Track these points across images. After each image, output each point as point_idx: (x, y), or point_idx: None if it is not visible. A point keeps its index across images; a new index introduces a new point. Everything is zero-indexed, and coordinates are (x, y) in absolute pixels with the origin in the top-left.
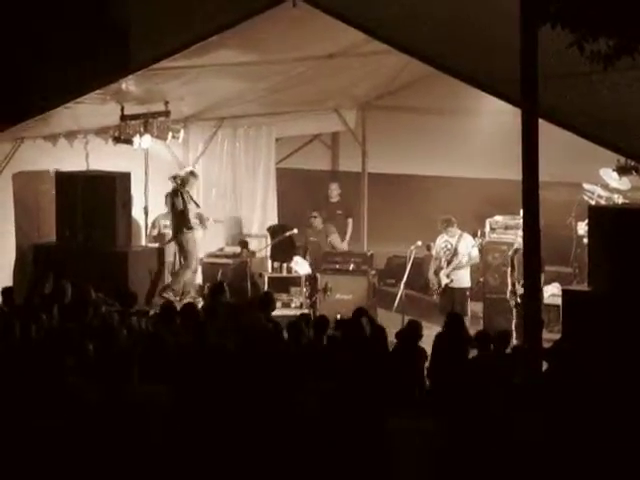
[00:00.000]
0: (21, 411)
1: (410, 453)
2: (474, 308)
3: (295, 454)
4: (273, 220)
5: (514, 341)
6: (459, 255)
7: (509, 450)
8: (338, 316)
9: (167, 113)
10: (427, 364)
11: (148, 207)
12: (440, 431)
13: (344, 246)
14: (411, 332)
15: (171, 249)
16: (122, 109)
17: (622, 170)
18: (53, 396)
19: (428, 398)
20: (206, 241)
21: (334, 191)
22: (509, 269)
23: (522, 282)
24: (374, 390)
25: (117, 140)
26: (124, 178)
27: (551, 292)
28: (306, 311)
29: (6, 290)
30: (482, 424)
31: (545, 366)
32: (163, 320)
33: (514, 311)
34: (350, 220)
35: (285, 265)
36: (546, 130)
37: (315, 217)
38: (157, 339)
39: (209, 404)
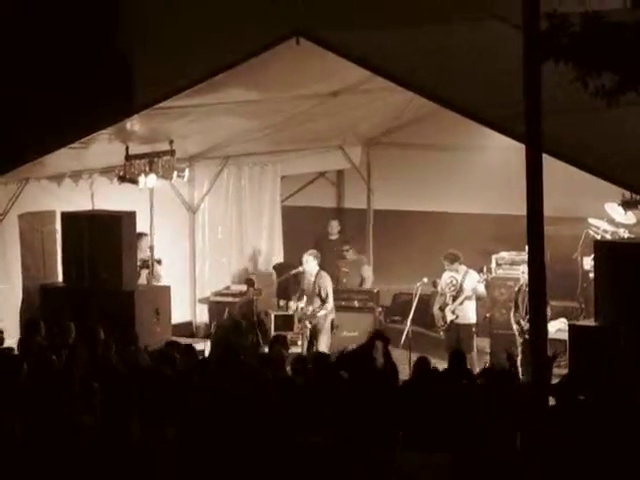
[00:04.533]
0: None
1: None
2: (480, 344)
3: None
4: (279, 258)
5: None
6: (465, 291)
7: None
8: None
9: (172, 152)
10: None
11: (154, 246)
12: (452, 465)
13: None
14: (421, 368)
15: None
16: (127, 149)
17: (627, 204)
18: (62, 436)
19: (438, 432)
20: (212, 279)
21: (334, 228)
22: (512, 307)
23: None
24: (383, 426)
25: (122, 179)
26: (130, 217)
27: (557, 327)
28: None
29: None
30: (491, 458)
31: (552, 401)
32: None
33: (520, 348)
34: None
35: (291, 303)
36: (551, 165)
37: (348, 250)
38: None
39: (214, 443)
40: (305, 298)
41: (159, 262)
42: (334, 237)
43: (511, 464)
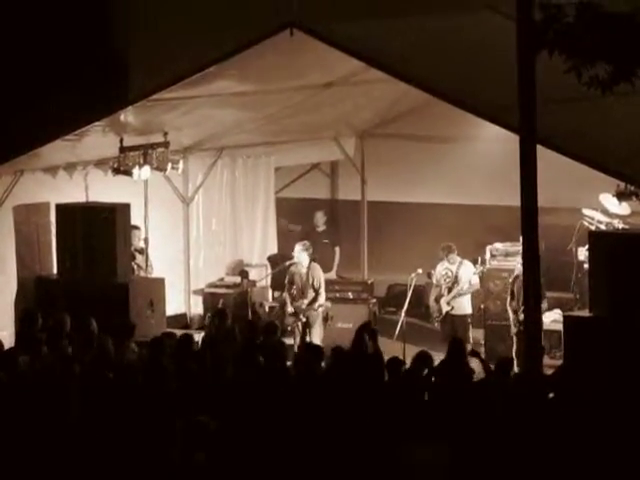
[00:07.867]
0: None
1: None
2: (475, 335)
3: None
4: (273, 250)
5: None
6: (460, 282)
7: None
8: None
9: (166, 144)
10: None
11: (148, 238)
12: (454, 456)
13: (332, 275)
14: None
15: None
16: (121, 140)
17: (622, 195)
18: (58, 432)
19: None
20: (207, 271)
21: (320, 220)
22: (508, 297)
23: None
24: (383, 419)
25: (116, 171)
26: (124, 209)
27: (552, 318)
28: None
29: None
30: (491, 449)
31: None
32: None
33: (515, 338)
34: (337, 249)
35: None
36: (545, 156)
37: None
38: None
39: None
40: (295, 292)
41: (141, 252)
42: (321, 229)
43: (508, 454)
